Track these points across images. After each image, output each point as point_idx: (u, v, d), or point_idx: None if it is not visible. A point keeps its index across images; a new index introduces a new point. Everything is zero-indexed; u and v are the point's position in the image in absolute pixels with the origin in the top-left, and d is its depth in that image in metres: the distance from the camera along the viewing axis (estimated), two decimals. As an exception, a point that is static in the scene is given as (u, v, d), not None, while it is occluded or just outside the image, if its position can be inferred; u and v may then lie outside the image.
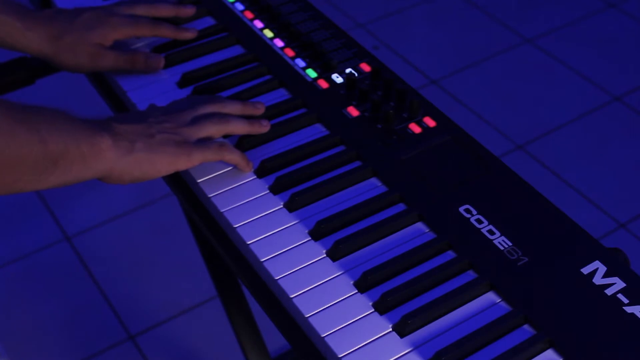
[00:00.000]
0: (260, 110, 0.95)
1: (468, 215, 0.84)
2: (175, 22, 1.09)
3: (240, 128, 0.91)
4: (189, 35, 1.06)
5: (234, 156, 0.89)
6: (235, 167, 0.91)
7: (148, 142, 0.84)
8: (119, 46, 1.04)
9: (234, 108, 0.93)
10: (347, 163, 0.92)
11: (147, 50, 1.07)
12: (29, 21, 0.98)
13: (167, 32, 1.05)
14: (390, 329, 0.75)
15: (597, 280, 0.78)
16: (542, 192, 0.87)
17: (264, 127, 0.93)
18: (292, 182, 0.89)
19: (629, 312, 0.75)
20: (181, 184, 0.93)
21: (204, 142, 0.88)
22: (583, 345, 0.73)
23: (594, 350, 0.72)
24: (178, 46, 1.07)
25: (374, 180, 0.90)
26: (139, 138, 0.84)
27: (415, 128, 0.95)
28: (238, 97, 0.98)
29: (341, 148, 0.93)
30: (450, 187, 0.88)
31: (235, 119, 0.91)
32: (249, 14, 1.13)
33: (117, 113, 0.92)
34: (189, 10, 1.09)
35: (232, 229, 0.85)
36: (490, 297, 0.78)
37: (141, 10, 1.05)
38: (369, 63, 1.04)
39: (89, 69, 1.02)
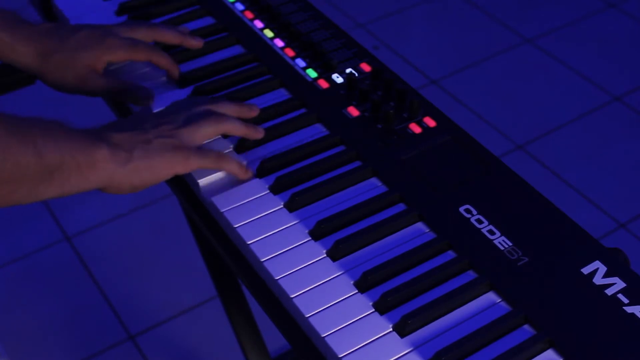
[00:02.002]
0: (254, 112, 0.94)
1: (468, 215, 0.84)
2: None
3: (236, 129, 0.91)
4: (195, 44, 1.03)
5: (232, 166, 0.88)
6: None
7: (145, 148, 0.83)
8: (114, 71, 1.01)
9: (229, 109, 0.92)
10: (347, 163, 0.92)
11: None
12: (20, 35, 0.95)
13: (163, 62, 1.00)
14: (391, 329, 0.75)
15: (597, 280, 0.78)
16: (542, 192, 0.87)
17: (259, 133, 0.92)
18: (292, 182, 0.89)
19: (629, 312, 0.75)
20: (181, 184, 0.93)
21: (203, 149, 0.88)
22: (583, 345, 0.73)
23: (594, 350, 0.72)
24: (178, 46, 1.07)
25: (374, 180, 0.90)
26: (137, 145, 0.83)
27: (415, 128, 0.95)
28: (238, 97, 0.98)
29: (341, 148, 0.93)
30: (450, 187, 0.88)
31: (231, 119, 0.90)
32: (249, 14, 1.13)
33: (114, 120, 0.91)
34: (196, 43, 1.04)
35: (232, 229, 0.85)
36: (490, 297, 0.78)
37: (142, 33, 1.01)
38: (369, 63, 1.04)
39: (75, 92, 0.98)
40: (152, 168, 0.83)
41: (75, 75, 0.96)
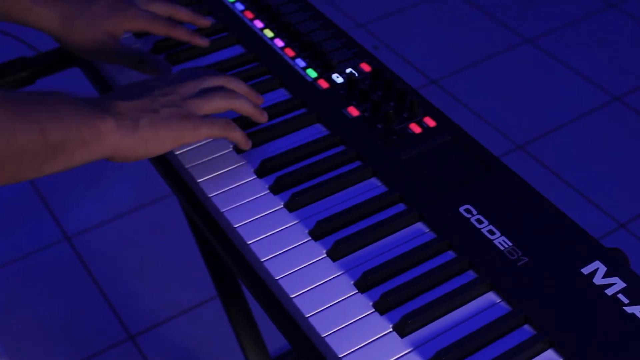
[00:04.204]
0: (260, 100, 0.94)
1: (468, 215, 0.84)
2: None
3: (245, 108, 0.90)
4: (202, 43, 1.05)
5: (237, 134, 0.89)
6: (232, 149, 0.91)
7: (152, 117, 0.82)
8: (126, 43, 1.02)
9: (240, 87, 0.92)
10: (347, 163, 0.92)
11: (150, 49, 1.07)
12: None
13: (183, 35, 1.03)
14: (391, 329, 0.75)
15: (597, 280, 0.78)
16: (542, 192, 0.87)
17: (264, 117, 0.92)
18: (292, 182, 0.89)
19: (629, 312, 0.75)
20: (181, 184, 0.93)
21: (211, 118, 0.87)
22: (583, 345, 0.73)
23: (594, 350, 0.72)
24: (178, 46, 1.07)
25: (374, 180, 0.90)
26: (143, 114, 0.82)
27: (415, 128, 0.95)
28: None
29: (341, 148, 0.94)
30: (450, 187, 0.88)
31: (241, 97, 0.90)
32: (249, 14, 1.13)
33: (121, 86, 0.90)
34: (205, 22, 1.07)
35: (232, 229, 0.85)
36: (490, 297, 0.78)
37: (160, 8, 1.04)
38: (369, 63, 1.04)
39: (94, 57, 1.00)
40: (158, 138, 0.82)
41: (96, 41, 0.97)
